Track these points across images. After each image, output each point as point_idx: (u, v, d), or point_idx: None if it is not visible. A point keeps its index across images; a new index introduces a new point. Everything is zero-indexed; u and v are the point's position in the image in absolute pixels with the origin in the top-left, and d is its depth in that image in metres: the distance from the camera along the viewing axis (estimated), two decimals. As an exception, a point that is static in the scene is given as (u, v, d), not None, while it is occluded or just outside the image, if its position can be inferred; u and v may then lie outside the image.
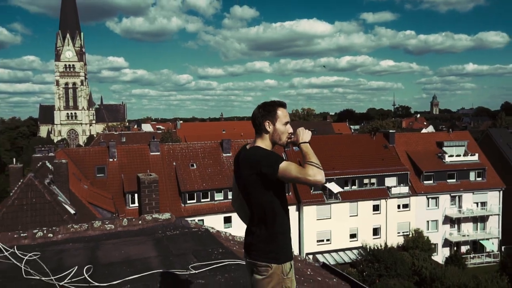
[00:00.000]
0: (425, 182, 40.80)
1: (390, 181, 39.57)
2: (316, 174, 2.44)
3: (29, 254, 4.39)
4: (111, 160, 34.71)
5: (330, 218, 37.41)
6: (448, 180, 41.25)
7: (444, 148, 43.11)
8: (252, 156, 2.59)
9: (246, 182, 2.62)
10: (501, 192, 41.22)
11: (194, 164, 36.05)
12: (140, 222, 5.45)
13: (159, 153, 36.15)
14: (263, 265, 2.55)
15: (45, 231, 5.05)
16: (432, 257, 37.48)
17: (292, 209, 37.12)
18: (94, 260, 4.35)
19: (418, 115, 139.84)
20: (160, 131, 70.51)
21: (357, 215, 38.34)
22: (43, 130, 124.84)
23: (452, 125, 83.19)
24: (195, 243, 4.95)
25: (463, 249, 41.19)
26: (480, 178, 41.49)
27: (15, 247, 4.60)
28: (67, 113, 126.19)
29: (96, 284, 3.66)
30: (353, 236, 38.37)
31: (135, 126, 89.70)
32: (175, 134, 62.80)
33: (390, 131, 45.20)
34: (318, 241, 37.14)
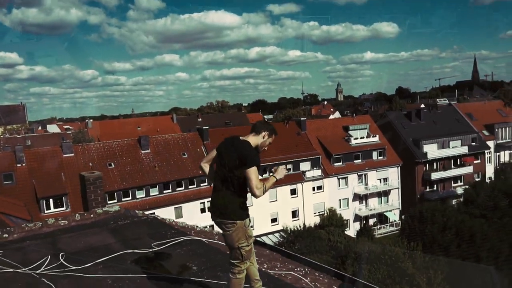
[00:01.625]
0: (335, 164, 44.22)
1: (305, 166, 42.27)
2: (259, 191, 3.47)
3: (-6, 252, 4.71)
4: (19, 165, 32.38)
5: (252, 205, 38.65)
6: (355, 161, 45.15)
7: (350, 132, 47.01)
8: (246, 149, 3.62)
9: (232, 160, 3.53)
10: (399, 167, 46.31)
11: (112, 164, 35.12)
12: (92, 215, 5.92)
13: (73, 155, 34.56)
14: (230, 222, 3.45)
15: (0, 232, 5.31)
16: (346, 232, 41.01)
17: (215, 200, 38.00)
18: (58, 252, 4.79)
19: (326, 102, 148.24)
20: (70, 132, 66.52)
21: (276, 200, 40.42)
22: None
23: (355, 110, 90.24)
24: (147, 228, 5.59)
25: (371, 222, 45.61)
26: (381, 157, 46.08)
27: (-25, 248, 4.85)
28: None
29: (73, 267, 4.19)
30: (274, 220, 40.46)
31: (39, 128, 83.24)
32: (87, 133, 59.83)
33: (302, 118, 48.06)
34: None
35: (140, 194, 34.40)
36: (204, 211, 36.68)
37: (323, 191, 43.13)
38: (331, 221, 40.67)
